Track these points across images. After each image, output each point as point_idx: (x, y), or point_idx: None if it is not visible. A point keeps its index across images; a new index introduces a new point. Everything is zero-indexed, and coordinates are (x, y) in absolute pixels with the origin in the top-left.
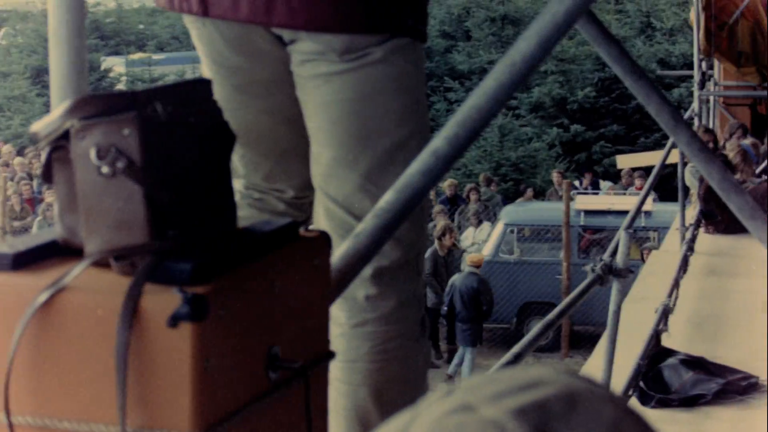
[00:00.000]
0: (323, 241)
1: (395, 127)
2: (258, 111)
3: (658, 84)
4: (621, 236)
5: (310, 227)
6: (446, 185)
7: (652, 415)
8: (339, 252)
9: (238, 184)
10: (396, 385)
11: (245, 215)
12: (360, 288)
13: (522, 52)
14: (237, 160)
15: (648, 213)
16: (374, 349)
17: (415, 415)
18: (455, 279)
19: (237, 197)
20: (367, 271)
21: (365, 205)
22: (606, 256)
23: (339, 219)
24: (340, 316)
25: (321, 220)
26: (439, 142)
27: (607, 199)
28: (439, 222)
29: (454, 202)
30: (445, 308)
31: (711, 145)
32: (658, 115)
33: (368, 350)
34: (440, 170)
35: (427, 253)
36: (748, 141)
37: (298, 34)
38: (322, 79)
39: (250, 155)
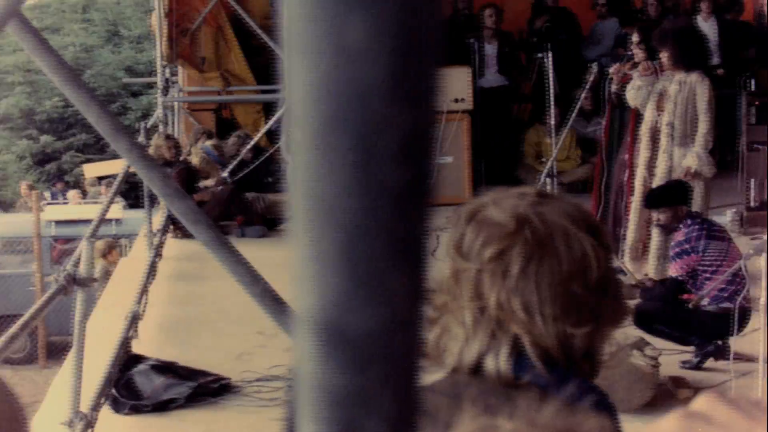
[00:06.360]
0: None
1: None
2: None
3: (126, 92)
4: (83, 246)
5: None
6: None
7: (125, 422)
8: None
9: None
10: None
11: None
12: None
13: None
14: None
15: (119, 221)
16: None
17: None
18: None
19: None
20: None
21: None
22: (70, 266)
23: None
24: None
25: None
26: None
27: (77, 208)
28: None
29: None
30: None
31: (173, 151)
32: (98, 124)
33: None
34: None
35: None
36: (209, 143)
37: None
38: None
39: None
